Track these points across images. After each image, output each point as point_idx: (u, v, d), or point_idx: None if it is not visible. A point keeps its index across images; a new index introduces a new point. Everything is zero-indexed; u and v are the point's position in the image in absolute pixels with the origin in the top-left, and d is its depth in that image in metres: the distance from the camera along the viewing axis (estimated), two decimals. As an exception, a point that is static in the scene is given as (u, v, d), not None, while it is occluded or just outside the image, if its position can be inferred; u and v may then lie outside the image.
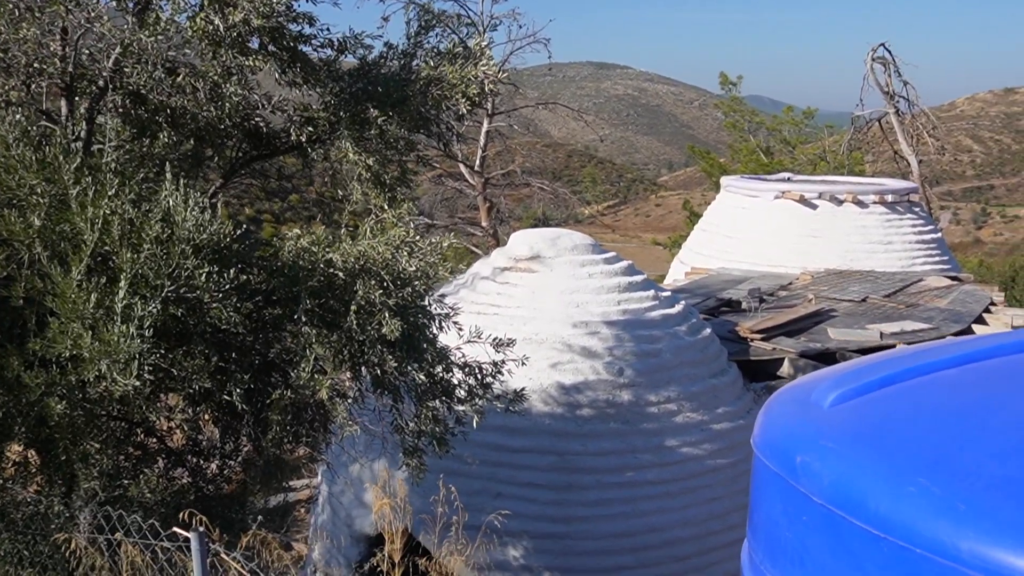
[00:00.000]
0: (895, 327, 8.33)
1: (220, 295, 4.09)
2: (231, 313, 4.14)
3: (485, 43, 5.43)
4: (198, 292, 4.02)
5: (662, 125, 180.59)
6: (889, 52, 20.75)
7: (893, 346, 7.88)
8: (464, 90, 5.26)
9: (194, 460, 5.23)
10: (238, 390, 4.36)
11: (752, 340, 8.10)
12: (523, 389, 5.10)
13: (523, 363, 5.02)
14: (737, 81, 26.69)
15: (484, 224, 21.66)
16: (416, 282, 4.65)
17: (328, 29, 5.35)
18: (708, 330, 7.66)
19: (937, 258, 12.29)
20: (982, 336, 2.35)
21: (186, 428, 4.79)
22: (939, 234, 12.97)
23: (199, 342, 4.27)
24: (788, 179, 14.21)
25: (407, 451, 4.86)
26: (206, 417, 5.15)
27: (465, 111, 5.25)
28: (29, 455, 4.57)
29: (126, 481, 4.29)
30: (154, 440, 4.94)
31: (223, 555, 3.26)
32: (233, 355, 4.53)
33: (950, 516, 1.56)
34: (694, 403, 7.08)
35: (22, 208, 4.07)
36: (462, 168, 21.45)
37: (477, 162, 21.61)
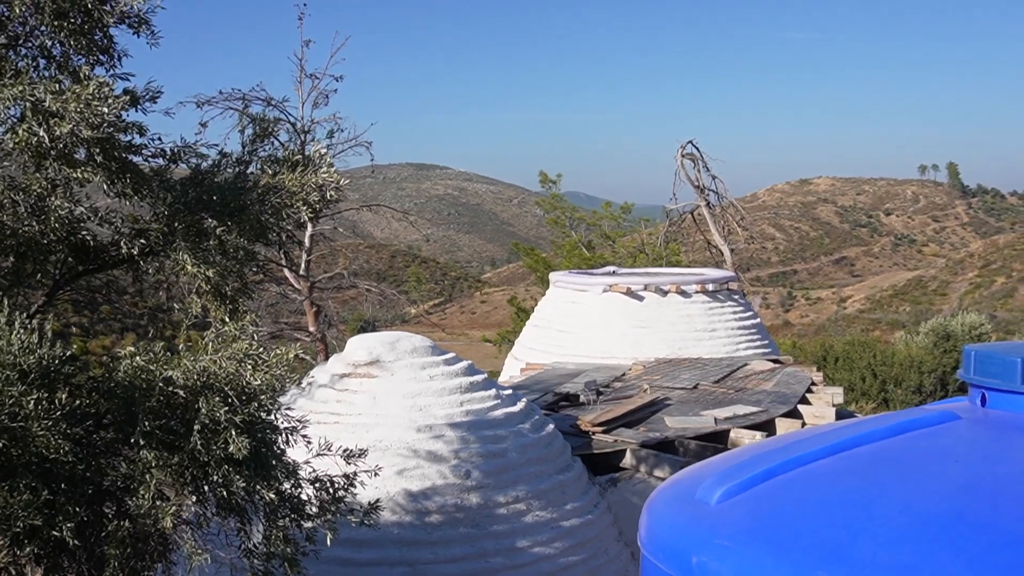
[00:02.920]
0: (728, 412, 8.75)
1: (49, 423, 3.82)
2: (60, 441, 3.86)
3: (324, 150, 5.44)
4: (26, 421, 3.74)
5: (483, 223, 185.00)
6: (697, 149, 22.33)
7: (728, 431, 8.27)
8: (305, 197, 5.24)
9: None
10: (68, 524, 4.04)
11: (593, 433, 8.28)
12: (377, 501, 4.98)
13: (376, 473, 4.91)
14: (557, 179, 27.87)
15: (312, 329, 21.26)
16: (263, 396, 4.50)
17: (160, 138, 5.23)
18: (551, 426, 7.77)
19: (758, 342, 13.08)
20: (847, 424, 2.51)
21: (14, 571, 4.35)
22: (758, 319, 13.84)
23: (24, 475, 3.94)
24: (614, 272, 14.84)
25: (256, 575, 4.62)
26: (25, 558, 4.71)
27: (306, 218, 5.21)
28: None
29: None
30: (-32, 587, 4.45)
31: None
32: (63, 486, 4.20)
33: (855, 608, 1.63)
34: (542, 501, 7.12)
35: None
36: (287, 273, 21.10)
37: (302, 266, 21.34)
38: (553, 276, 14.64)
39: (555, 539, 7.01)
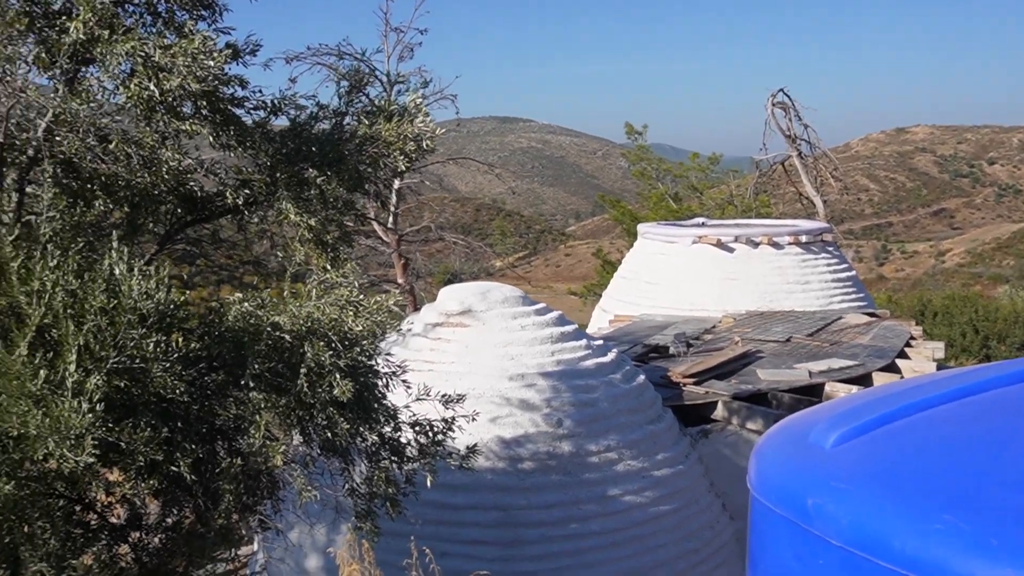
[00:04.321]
0: (822, 365, 8.61)
1: (167, 364, 4.01)
2: (176, 382, 4.05)
3: (420, 99, 5.49)
4: (145, 362, 3.93)
5: (567, 176, 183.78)
6: (788, 97, 21.70)
7: (822, 385, 8.15)
8: (401, 147, 5.31)
9: (136, 535, 5.04)
10: (186, 460, 4.25)
11: (684, 385, 8.26)
12: (475, 445, 5.09)
13: (473, 418, 5.02)
14: (643, 130, 27.46)
15: (400, 280, 21.61)
16: (364, 342, 4.64)
17: (260, 91, 5.35)
18: (642, 376, 7.79)
19: (853, 295, 12.78)
20: (974, 369, 2.46)
21: (137, 502, 4.62)
22: (853, 272, 13.51)
23: (145, 413, 4.15)
24: (703, 224, 14.65)
25: (359, 514, 4.79)
26: (147, 491, 4.98)
27: (403, 167, 5.29)
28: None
29: (73, 561, 4.10)
30: (95, 516, 4.74)
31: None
32: (179, 424, 4.41)
33: (983, 553, 1.60)
34: (634, 451, 7.16)
35: (-44, 283, 3.93)
36: (375, 226, 21.42)
37: (390, 219, 21.62)
38: (641, 228, 14.52)
39: (646, 488, 7.06)
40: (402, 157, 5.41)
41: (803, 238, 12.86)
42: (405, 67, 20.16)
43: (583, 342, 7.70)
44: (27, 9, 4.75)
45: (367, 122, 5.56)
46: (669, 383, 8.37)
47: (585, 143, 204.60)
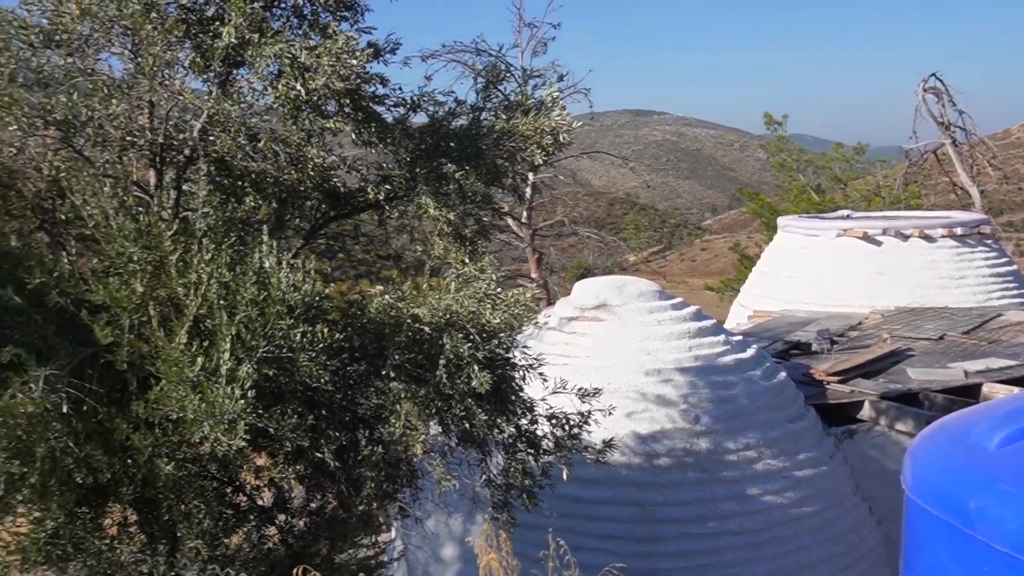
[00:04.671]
0: (979, 364, 8.14)
1: (313, 354, 4.14)
2: (321, 371, 4.19)
3: (556, 93, 5.49)
4: (292, 352, 4.08)
5: (703, 169, 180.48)
6: (941, 81, 20.59)
7: (979, 385, 7.70)
8: (538, 141, 5.32)
9: (282, 518, 5.24)
10: (330, 447, 4.39)
11: (828, 383, 7.97)
12: (611, 439, 5.06)
13: (610, 412, 4.99)
14: (782, 120, 26.64)
15: (534, 275, 21.71)
16: (502, 334, 4.67)
17: (400, 88, 5.47)
18: (783, 374, 7.55)
19: (1014, 291, 12.00)
20: None
21: (284, 486, 4.82)
22: (1014, 266, 12.69)
23: (291, 401, 4.31)
24: (848, 216, 14.07)
25: (496, 505, 4.84)
26: (292, 476, 5.18)
27: (540, 161, 5.30)
28: (127, 517, 4.61)
29: (225, 539, 4.32)
30: (245, 499, 4.97)
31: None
32: (323, 413, 4.56)
33: None
34: (774, 450, 6.96)
35: (122, 276, 4.18)
36: (509, 221, 21.59)
37: (524, 214, 21.74)
38: (781, 221, 14.08)
39: (787, 488, 6.85)
40: (539, 151, 5.43)
41: (958, 230, 12.16)
42: (539, 62, 20.26)
43: (721, 338, 7.53)
44: (183, 16, 5.00)
45: (504, 117, 5.60)
46: (812, 381, 8.08)
47: (722, 135, 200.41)
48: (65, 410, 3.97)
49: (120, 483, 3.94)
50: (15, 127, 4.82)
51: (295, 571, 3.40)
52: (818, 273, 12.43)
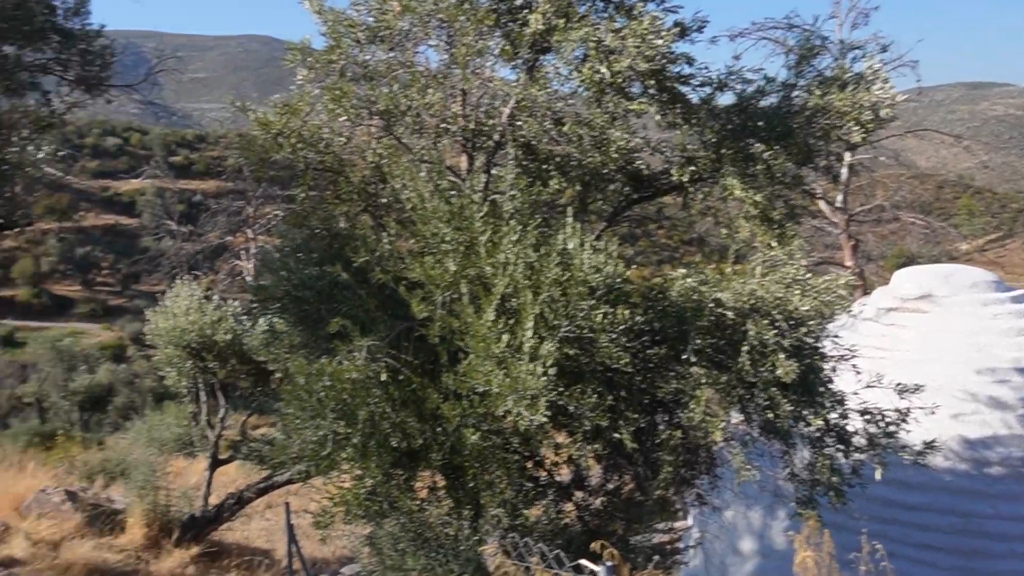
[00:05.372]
0: None
1: (613, 335, 4.16)
2: (620, 353, 4.19)
3: (878, 65, 5.08)
4: (593, 332, 4.12)
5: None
6: None
7: None
8: (856, 116, 4.96)
9: (579, 495, 5.35)
10: (628, 429, 4.39)
11: None
12: (933, 440, 4.62)
13: (932, 412, 4.56)
14: None
15: (848, 263, 20.43)
16: (810, 322, 4.42)
17: (706, 68, 5.32)
18: None
19: None
20: None
21: (581, 465, 4.92)
22: None
23: (591, 381, 4.36)
24: None
25: (800, 501, 4.60)
26: (590, 455, 5.26)
27: (858, 140, 4.93)
28: (436, 481, 4.92)
29: (524, 510, 4.47)
30: (544, 474, 5.12)
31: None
32: (622, 394, 4.58)
33: None
34: None
35: (436, 255, 4.45)
36: (822, 205, 20.47)
37: (839, 198, 20.51)
38: None
39: None
40: (857, 128, 5.06)
41: None
42: (859, 34, 18.97)
43: (1071, 336, 6.63)
44: (494, 7, 5.21)
45: (818, 92, 5.28)
46: None
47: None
48: (384, 378, 4.31)
49: (431, 449, 4.20)
50: (344, 118, 5.29)
51: (592, 545, 3.43)
52: None
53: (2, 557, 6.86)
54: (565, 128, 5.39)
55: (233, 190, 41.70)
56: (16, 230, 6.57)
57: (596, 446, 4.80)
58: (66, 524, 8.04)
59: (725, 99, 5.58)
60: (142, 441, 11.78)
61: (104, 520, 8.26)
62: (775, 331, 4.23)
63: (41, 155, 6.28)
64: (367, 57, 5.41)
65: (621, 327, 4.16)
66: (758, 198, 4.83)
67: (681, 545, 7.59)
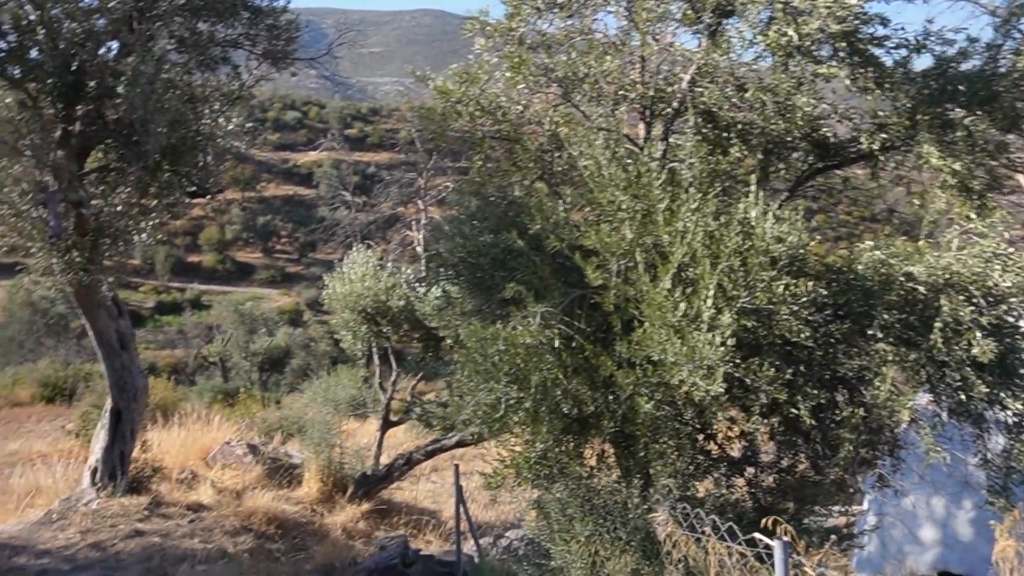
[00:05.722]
0: None
1: (794, 308, 4.03)
2: (801, 326, 4.05)
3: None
4: (773, 304, 4.00)
5: None
6: None
7: None
8: (1081, 78, 4.56)
9: (751, 471, 5.22)
10: (807, 405, 4.25)
11: None
12: None
13: None
14: None
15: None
16: (1012, 299, 4.13)
17: (903, 28, 5.02)
18: None
19: None
20: None
21: (755, 440, 4.80)
22: None
23: (769, 354, 4.23)
24: None
25: (993, 489, 4.33)
26: (763, 430, 5.12)
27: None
28: (605, 449, 4.93)
29: (695, 482, 4.42)
30: (716, 447, 5.03)
31: (807, 568, 3.16)
32: (801, 369, 4.42)
33: None
34: None
35: (612, 223, 4.42)
36: (1021, 180, 18.93)
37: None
38: None
39: None
40: (1081, 89, 4.66)
41: None
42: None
43: None
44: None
45: (1030, 52, 4.89)
46: None
47: None
48: (556, 345, 4.34)
49: (602, 416, 4.21)
50: (523, 86, 5.32)
51: (763, 521, 3.35)
52: None
53: (191, 502, 7.38)
54: (748, 94, 5.22)
55: (405, 162, 42.95)
56: (207, 197, 6.98)
57: (772, 421, 4.67)
58: (248, 475, 8.57)
59: (921, 63, 5.26)
60: (318, 401, 12.41)
61: (282, 473, 8.77)
62: (972, 308, 3.97)
63: (230, 127, 6.64)
64: (545, 25, 5.41)
65: (803, 300, 4.02)
66: (957, 166, 4.53)
67: (856, 530, 7.30)
